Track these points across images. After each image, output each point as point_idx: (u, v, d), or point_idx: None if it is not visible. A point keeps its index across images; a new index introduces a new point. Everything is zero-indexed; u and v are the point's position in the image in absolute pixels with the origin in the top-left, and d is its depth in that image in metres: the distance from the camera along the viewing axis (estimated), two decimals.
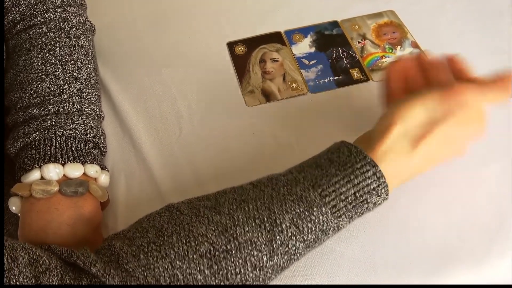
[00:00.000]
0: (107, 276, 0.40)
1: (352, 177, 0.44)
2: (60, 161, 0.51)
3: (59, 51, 0.58)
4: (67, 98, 0.56)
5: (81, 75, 0.58)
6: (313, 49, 0.69)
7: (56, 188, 0.50)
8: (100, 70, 0.67)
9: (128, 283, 0.39)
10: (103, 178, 0.54)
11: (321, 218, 0.43)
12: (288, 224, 0.42)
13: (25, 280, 0.38)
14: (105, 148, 0.58)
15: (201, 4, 0.76)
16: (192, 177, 0.57)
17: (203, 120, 0.62)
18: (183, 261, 0.41)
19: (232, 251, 0.41)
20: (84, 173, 0.53)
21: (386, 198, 0.46)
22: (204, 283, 0.40)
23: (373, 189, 0.45)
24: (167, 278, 0.40)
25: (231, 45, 0.70)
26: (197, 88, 0.65)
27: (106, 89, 0.66)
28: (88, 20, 0.65)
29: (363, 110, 0.61)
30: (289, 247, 0.43)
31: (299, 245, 0.43)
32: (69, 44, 0.60)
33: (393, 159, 0.46)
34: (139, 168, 0.59)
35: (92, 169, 0.53)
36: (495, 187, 0.54)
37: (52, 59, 0.57)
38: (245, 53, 0.69)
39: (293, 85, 0.65)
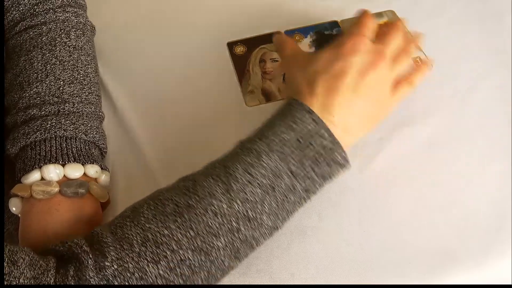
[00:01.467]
0: (93, 254, 0.42)
1: (293, 125, 0.48)
2: (60, 162, 0.52)
3: (59, 51, 0.58)
4: (67, 98, 0.56)
5: (81, 75, 0.58)
6: (313, 49, 0.69)
7: (56, 189, 0.50)
8: (100, 70, 0.67)
9: (107, 254, 0.41)
10: (104, 179, 0.55)
11: (270, 163, 0.47)
12: (241, 173, 0.46)
13: (25, 281, 0.38)
14: (105, 148, 0.58)
15: (201, 4, 0.76)
16: None
17: (204, 120, 0.62)
18: (151, 223, 0.44)
19: (193, 205, 0.45)
20: (85, 174, 0.53)
21: (336, 142, 0.48)
22: (171, 236, 0.43)
23: (314, 132, 0.48)
24: (139, 241, 0.43)
25: (231, 45, 0.70)
26: (197, 88, 0.65)
27: (106, 89, 0.66)
28: (88, 21, 0.65)
29: None
30: (247, 193, 0.45)
31: (256, 190, 0.46)
32: (69, 45, 0.60)
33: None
34: (139, 168, 0.59)
35: (93, 170, 0.53)
36: (495, 187, 0.54)
37: (52, 60, 0.57)
38: (245, 53, 0.69)
39: None
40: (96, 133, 0.56)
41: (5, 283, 0.37)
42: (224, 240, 0.44)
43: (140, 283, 0.41)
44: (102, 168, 0.55)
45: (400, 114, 0.60)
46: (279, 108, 0.51)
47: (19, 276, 0.38)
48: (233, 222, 0.45)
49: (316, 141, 0.48)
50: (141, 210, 0.45)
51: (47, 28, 0.60)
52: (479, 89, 0.62)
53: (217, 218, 0.44)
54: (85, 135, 0.54)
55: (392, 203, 0.54)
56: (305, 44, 0.69)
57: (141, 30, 0.73)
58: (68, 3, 0.63)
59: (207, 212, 0.44)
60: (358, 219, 0.53)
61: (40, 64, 0.57)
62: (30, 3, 0.60)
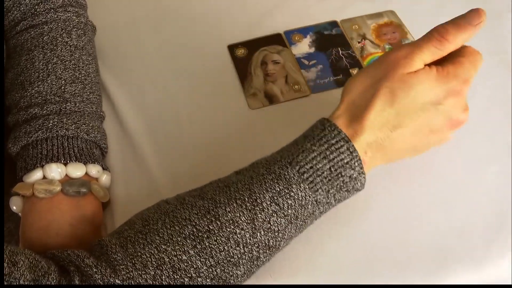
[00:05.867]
0: (99, 267, 0.40)
1: (327, 152, 0.45)
2: (62, 161, 0.52)
3: (61, 51, 0.59)
4: (68, 98, 0.56)
5: (83, 75, 0.58)
6: (312, 49, 0.69)
7: (58, 188, 0.50)
8: (100, 70, 0.67)
9: (118, 272, 0.40)
10: (105, 179, 0.55)
11: (300, 194, 0.44)
12: (268, 203, 0.43)
13: (25, 283, 0.38)
14: (106, 148, 0.58)
15: (201, 6, 0.75)
16: (193, 179, 0.56)
17: (205, 122, 0.62)
18: (168, 244, 0.42)
19: (214, 231, 0.42)
20: (86, 173, 0.53)
21: (362, 172, 0.46)
22: (190, 263, 0.41)
23: (347, 163, 0.45)
24: (154, 262, 0.41)
25: (231, 48, 0.70)
26: (198, 90, 0.65)
27: (106, 89, 0.66)
28: (89, 20, 0.65)
29: None
30: (271, 223, 0.43)
31: (280, 221, 0.44)
32: (71, 44, 0.60)
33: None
34: (139, 168, 0.59)
35: (94, 169, 0.53)
36: (495, 187, 0.55)
37: (54, 59, 0.58)
38: (246, 55, 0.69)
39: (296, 86, 0.65)
40: (97, 133, 0.56)
41: (5, 284, 0.38)
42: (244, 268, 0.43)
43: None
44: (103, 168, 0.55)
45: None
46: (312, 128, 0.48)
47: (19, 278, 0.38)
48: (254, 251, 0.43)
49: (345, 172, 0.45)
50: (155, 227, 0.43)
51: (48, 27, 0.60)
52: (479, 89, 0.62)
53: (239, 247, 0.42)
54: (87, 135, 0.54)
55: (392, 203, 0.54)
56: (305, 44, 0.70)
57: (141, 30, 0.73)
58: (69, 3, 0.63)
59: (229, 241, 0.42)
60: (358, 219, 0.53)
61: (41, 63, 0.57)
62: (31, 3, 0.60)
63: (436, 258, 0.50)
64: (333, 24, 0.72)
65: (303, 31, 0.71)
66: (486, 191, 0.54)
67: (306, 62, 0.68)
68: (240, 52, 0.69)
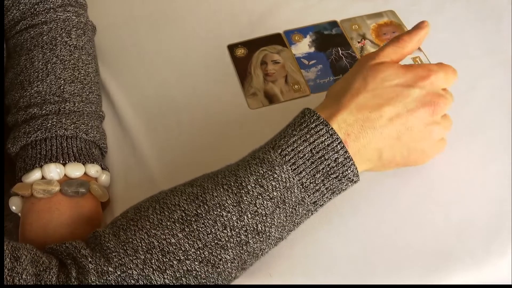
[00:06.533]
0: (94, 258, 0.41)
1: (308, 136, 0.47)
2: (61, 161, 0.52)
3: (60, 50, 0.59)
4: (68, 97, 0.56)
5: (82, 75, 0.58)
6: (312, 49, 0.69)
7: (57, 188, 0.50)
8: (100, 70, 0.67)
9: (110, 260, 0.41)
10: (104, 178, 0.55)
11: (283, 175, 0.45)
12: (253, 185, 0.45)
13: (28, 278, 0.38)
14: (105, 148, 0.58)
15: (201, 6, 0.76)
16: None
17: (204, 122, 0.62)
18: (158, 229, 0.43)
19: (202, 214, 0.44)
20: (85, 173, 0.53)
21: (348, 157, 0.46)
22: (178, 245, 0.42)
23: (328, 145, 0.46)
24: (144, 247, 0.42)
25: (231, 48, 0.70)
26: (198, 90, 0.65)
27: (106, 89, 0.66)
28: (89, 20, 0.65)
29: None
30: (257, 206, 0.44)
31: (267, 204, 0.45)
32: (70, 44, 0.60)
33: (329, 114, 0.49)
34: (138, 168, 0.59)
35: (93, 169, 0.53)
36: (495, 187, 0.54)
37: (53, 59, 0.58)
38: (246, 55, 0.69)
39: (296, 86, 0.65)
40: (96, 133, 0.56)
41: (8, 279, 0.38)
42: (233, 252, 0.44)
43: None
44: (102, 168, 0.55)
45: None
46: (294, 118, 0.49)
47: (21, 272, 0.38)
48: (242, 235, 0.44)
49: (329, 155, 0.46)
50: (145, 214, 0.44)
51: (47, 27, 0.60)
52: (479, 89, 0.62)
53: (226, 230, 0.43)
54: (86, 135, 0.54)
55: (392, 203, 0.54)
56: (305, 44, 0.70)
57: (141, 30, 0.73)
58: (69, 3, 0.63)
59: (216, 223, 0.43)
60: (358, 219, 0.53)
61: (41, 63, 0.57)
62: (31, 2, 0.60)
63: (436, 258, 0.50)
64: (333, 24, 0.72)
65: (303, 31, 0.71)
66: (486, 191, 0.54)
67: (306, 62, 0.68)
68: (240, 52, 0.69)
